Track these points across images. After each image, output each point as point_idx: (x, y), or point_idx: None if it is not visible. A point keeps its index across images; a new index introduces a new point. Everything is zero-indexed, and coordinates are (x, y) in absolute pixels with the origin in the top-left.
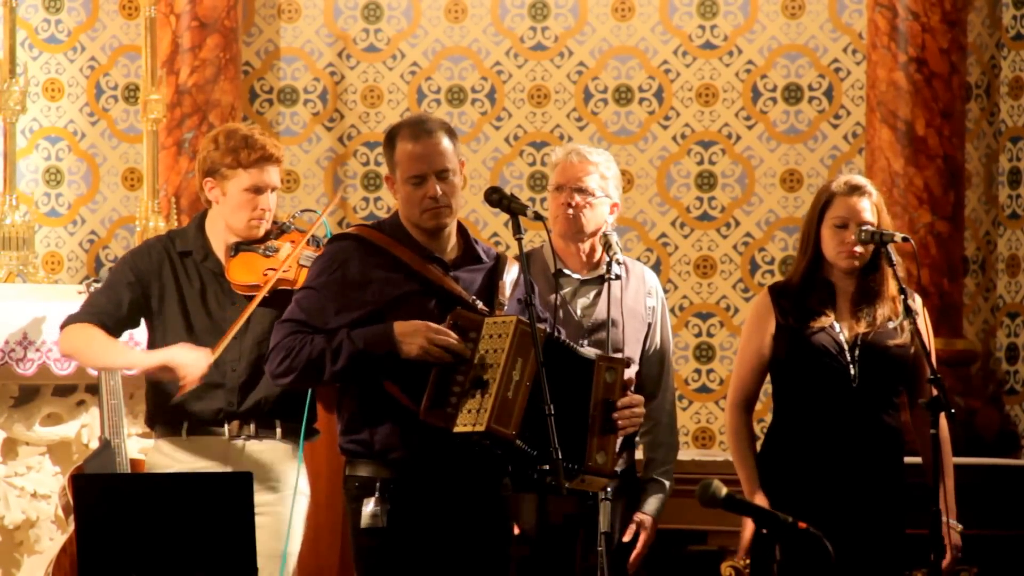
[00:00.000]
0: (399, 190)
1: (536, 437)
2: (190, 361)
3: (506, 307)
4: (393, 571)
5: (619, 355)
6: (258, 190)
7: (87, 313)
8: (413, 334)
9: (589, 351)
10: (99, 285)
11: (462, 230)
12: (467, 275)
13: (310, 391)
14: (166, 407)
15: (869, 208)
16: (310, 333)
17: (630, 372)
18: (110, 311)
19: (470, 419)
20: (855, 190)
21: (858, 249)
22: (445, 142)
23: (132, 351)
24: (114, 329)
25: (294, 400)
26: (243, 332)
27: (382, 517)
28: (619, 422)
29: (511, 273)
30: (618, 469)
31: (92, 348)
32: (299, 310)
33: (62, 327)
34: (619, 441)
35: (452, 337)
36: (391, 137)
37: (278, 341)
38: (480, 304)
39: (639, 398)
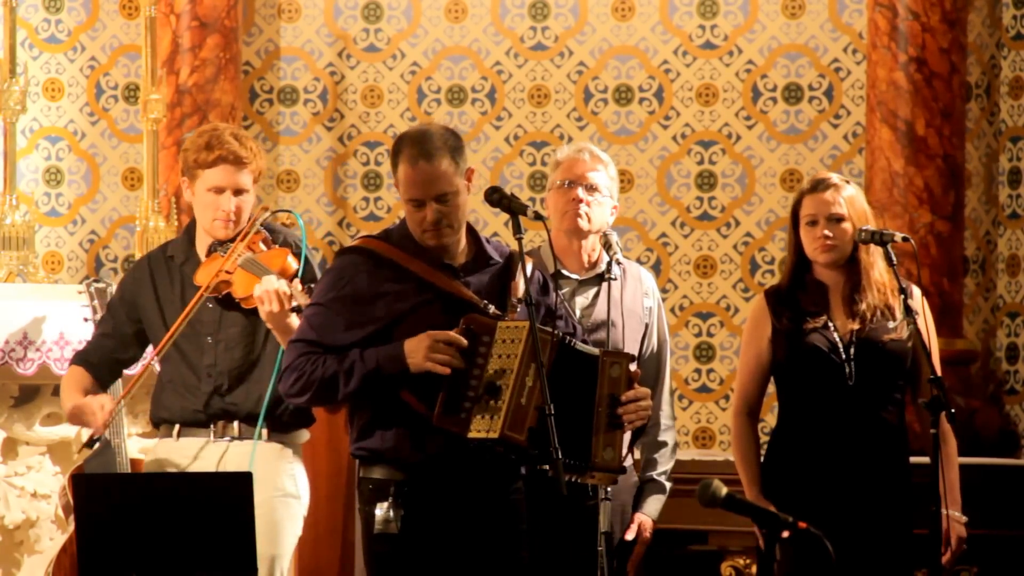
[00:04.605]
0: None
1: (540, 436)
2: (90, 411)
3: (519, 309)
4: None
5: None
6: (219, 190)
7: (78, 353)
8: (417, 347)
9: (592, 348)
10: (99, 286)
11: (471, 231)
12: (477, 279)
13: (270, 390)
14: (158, 411)
15: (835, 201)
16: (322, 352)
17: (635, 366)
18: (97, 343)
19: (483, 425)
20: (818, 185)
21: (830, 243)
22: (445, 164)
23: (70, 395)
24: (99, 364)
25: (281, 404)
26: (216, 336)
27: (395, 522)
28: (625, 416)
29: (526, 271)
30: (626, 464)
31: (61, 394)
32: (310, 328)
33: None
34: (627, 435)
35: (450, 351)
36: (396, 150)
37: (290, 362)
38: (492, 308)
39: (645, 391)
